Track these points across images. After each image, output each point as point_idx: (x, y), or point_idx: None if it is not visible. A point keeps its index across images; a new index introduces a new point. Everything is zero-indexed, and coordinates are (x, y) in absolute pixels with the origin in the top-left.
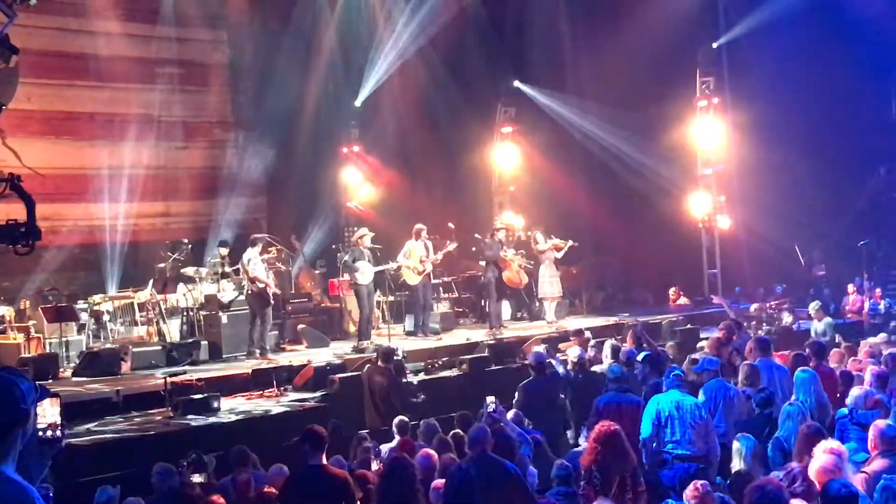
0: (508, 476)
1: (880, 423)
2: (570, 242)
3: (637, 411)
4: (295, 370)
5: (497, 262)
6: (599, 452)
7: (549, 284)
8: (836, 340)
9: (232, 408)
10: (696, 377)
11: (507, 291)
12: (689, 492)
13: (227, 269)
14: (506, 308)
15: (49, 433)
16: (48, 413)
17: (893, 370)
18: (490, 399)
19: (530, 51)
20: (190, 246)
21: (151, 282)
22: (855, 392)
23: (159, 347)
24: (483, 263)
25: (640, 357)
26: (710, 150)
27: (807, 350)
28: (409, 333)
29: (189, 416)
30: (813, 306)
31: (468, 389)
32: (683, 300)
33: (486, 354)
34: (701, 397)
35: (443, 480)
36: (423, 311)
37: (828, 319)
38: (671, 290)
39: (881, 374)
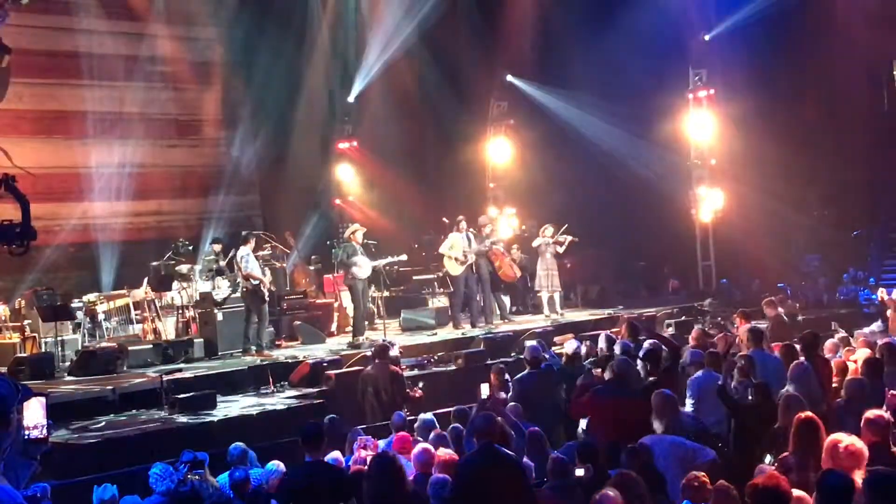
0: (514, 468)
1: (871, 413)
2: (570, 238)
3: (636, 405)
4: (291, 366)
5: (488, 256)
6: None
7: (544, 278)
8: (833, 327)
9: (228, 405)
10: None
11: (501, 285)
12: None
13: (222, 266)
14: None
15: (35, 433)
16: (34, 413)
17: (888, 360)
18: (484, 387)
19: (523, 45)
20: (191, 246)
21: (146, 280)
22: (851, 382)
23: (155, 345)
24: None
25: (641, 353)
26: (703, 143)
27: (800, 340)
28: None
29: (185, 414)
30: (766, 302)
31: (464, 384)
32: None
33: (481, 349)
34: (688, 390)
35: (441, 475)
36: (469, 302)
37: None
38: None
39: (876, 364)
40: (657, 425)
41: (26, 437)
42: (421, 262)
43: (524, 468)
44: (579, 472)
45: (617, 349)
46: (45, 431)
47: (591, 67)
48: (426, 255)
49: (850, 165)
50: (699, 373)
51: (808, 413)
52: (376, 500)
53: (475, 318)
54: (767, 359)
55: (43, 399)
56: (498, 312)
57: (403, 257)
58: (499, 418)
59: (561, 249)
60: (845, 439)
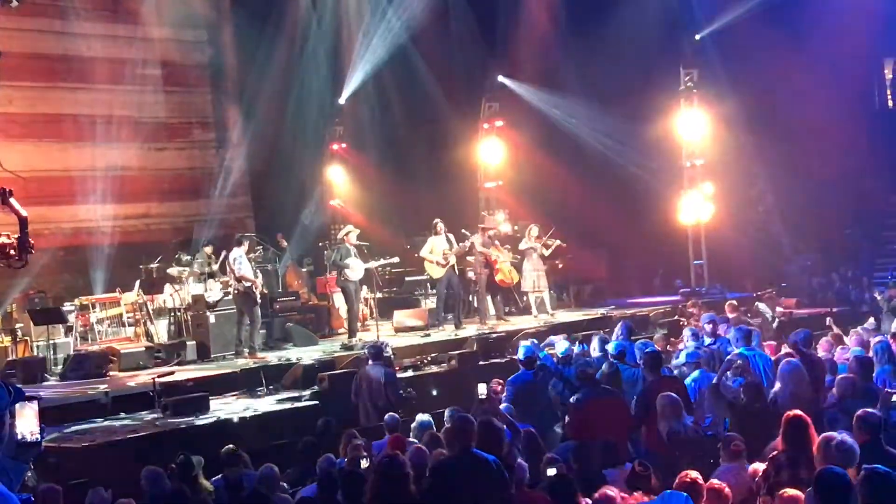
0: (491, 473)
1: (862, 412)
2: (557, 242)
3: (618, 406)
4: (284, 368)
5: (488, 259)
6: None
7: (530, 279)
8: (828, 323)
9: (221, 407)
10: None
11: (498, 288)
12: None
13: (214, 269)
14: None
15: (28, 437)
16: (27, 417)
17: (880, 358)
18: (482, 387)
19: (514, 46)
20: (188, 256)
21: (138, 283)
22: (842, 381)
23: (147, 348)
24: (472, 259)
25: (640, 358)
26: (695, 142)
27: (794, 339)
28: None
29: (178, 417)
30: (729, 304)
31: (457, 385)
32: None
33: (474, 349)
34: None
35: None
36: (457, 302)
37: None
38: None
39: (868, 363)
40: (662, 426)
41: (19, 440)
42: (413, 263)
43: (504, 473)
44: (550, 471)
45: (612, 350)
46: (37, 435)
47: (583, 67)
48: (418, 256)
49: (842, 164)
50: (695, 373)
51: (797, 412)
52: (380, 501)
53: (459, 320)
54: (755, 358)
55: (35, 403)
56: (493, 313)
57: (395, 259)
58: (490, 418)
59: (547, 253)
60: (836, 437)
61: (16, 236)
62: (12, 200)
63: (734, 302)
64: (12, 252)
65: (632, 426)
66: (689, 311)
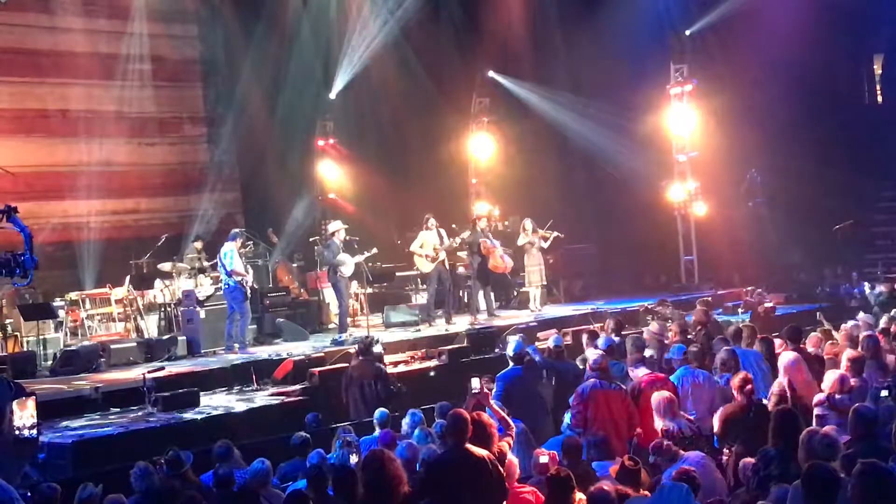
0: (485, 469)
1: (858, 406)
2: (555, 233)
3: (621, 399)
4: (274, 364)
5: (481, 250)
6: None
7: (534, 273)
8: (819, 317)
9: (212, 403)
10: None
11: (491, 279)
12: None
13: (205, 265)
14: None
15: (25, 432)
16: (24, 412)
17: (870, 354)
18: (475, 381)
19: (504, 41)
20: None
21: (128, 278)
22: (832, 376)
23: (137, 344)
24: (464, 255)
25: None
26: (685, 137)
27: (784, 334)
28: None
29: (169, 412)
30: (700, 302)
31: (448, 379)
32: None
33: (465, 344)
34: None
35: None
36: (447, 297)
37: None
38: None
39: (858, 358)
40: (658, 423)
41: (17, 435)
42: (404, 258)
43: (498, 468)
44: (543, 459)
45: (601, 344)
46: (35, 431)
47: (573, 63)
48: (408, 251)
49: (832, 159)
50: (679, 369)
51: (787, 406)
52: (371, 497)
53: (449, 315)
54: (747, 354)
55: (33, 398)
56: (483, 308)
57: (374, 251)
58: (480, 413)
59: (546, 245)
60: (819, 431)
61: (20, 254)
62: (16, 217)
63: (708, 299)
64: (17, 270)
65: (633, 421)
66: (656, 309)
